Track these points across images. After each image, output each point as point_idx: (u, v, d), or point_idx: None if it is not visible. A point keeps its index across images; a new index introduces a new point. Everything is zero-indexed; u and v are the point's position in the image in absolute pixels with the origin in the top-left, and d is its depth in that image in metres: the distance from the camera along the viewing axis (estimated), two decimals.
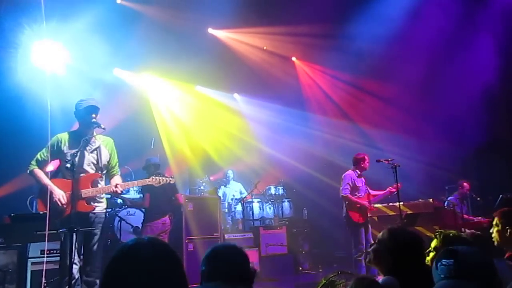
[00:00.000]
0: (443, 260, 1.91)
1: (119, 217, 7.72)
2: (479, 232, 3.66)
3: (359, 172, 7.56)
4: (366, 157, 7.58)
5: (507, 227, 3.40)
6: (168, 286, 1.51)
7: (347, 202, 7.37)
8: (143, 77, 10.36)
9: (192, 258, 7.33)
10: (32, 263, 6.02)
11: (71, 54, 7.95)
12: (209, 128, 10.99)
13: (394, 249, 2.54)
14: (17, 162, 6.03)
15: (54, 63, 7.55)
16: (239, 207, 9.77)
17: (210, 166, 10.85)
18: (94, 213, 4.68)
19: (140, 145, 9.59)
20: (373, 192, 7.60)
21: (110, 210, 8.12)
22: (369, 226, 7.45)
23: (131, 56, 9.17)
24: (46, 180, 4.61)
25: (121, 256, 1.55)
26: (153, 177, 5.12)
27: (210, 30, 10.29)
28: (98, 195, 4.75)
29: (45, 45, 7.48)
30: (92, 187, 4.67)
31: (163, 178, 5.17)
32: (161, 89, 10.72)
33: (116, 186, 4.76)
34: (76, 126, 4.89)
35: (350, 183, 7.40)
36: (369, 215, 7.55)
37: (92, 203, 4.68)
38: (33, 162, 4.69)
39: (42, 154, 4.71)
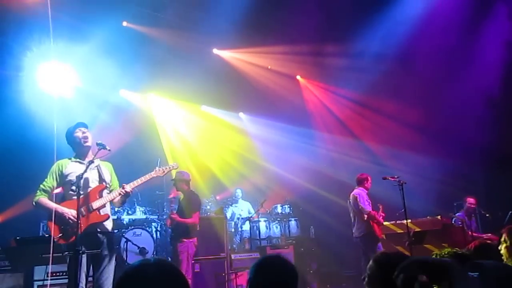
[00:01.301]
0: (469, 273, 1.93)
1: (125, 238, 7.70)
2: (484, 242, 3.63)
3: (366, 191, 7.55)
4: (369, 178, 7.65)
5: None
6: None
7: (367, 217, 7.35)
8: (149, 98, 10.45)
9: (199, 279, 7.28)
10: (38, 286, 6.01)
11: (78, 76, 8.07)
12: (215, 148, 11.02)
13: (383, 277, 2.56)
14: (24, 184, 6.07)
15: (61, 85, 7.64)
16: (246, 227, 9.70)
17: (216, 186, 10.83)
18: (102, 233, 4.65)
19: (146, 165, 9.60)
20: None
21: (116, 231, 8.11)
22: None
23: (137, 77, 9.27)
24: (53, 204, 4.54)
25: (128, 278, 1.53)
26: (157, 168, 5.08)
27: (215, 51, 10.40)
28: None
29: (52, 67, 7.58)
30: (99, 198, 4.68)
31: (166, 167, 5.15)
32: (167, 109, 10.80)
33: (123, 187, 4.74)
34: None
35: (367, 200, 7.46)
36: None
37: (103, 212, 4.68)
38: (38, 193, 4.63)
39: (46, 183, 4.65)
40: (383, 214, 7.55)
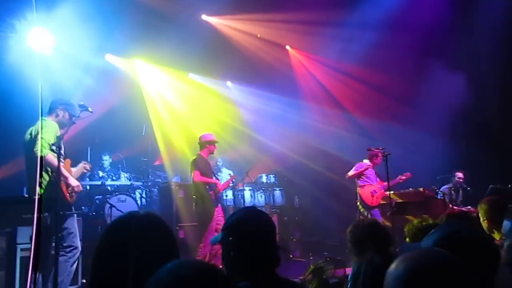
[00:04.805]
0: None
1: (110, 203, 7.69)
2: (458, 212, 3.80)
3: (371, 165, 7.90)
4: (380, 154, 7.57)
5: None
6: (160, 257, 1.47)
7: (355, 183, 7.80)
8: (136, 64, 10.28)
9: (182, 245, 7.35)
10: (21, 249, 5.99)
11: (63, 40, 7.84)
12: (201, 116, 10.93)
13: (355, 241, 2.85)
14: (7, 147, 5.98)
15: (46, 49, 7.45)
16: (230, 195, 9.75)
17: None
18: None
19: (131, 132, 9.55)
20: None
21: (100, 196, 8.11)
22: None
23: (123, 42, 9.05)
24: (62, 168, 4.73)
25: (114, 227, 1.54)
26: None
27: (204, 17, 10.17)
28: None
29: (37, 32, 7.37)
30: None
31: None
32: (154, 76, 10.63)
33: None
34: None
35: (359, 169, 7.83)
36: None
37: None
38: (47, 146, 4.68)
39: (51, 141, 4.74)
40: (403, 178, 7.91)
